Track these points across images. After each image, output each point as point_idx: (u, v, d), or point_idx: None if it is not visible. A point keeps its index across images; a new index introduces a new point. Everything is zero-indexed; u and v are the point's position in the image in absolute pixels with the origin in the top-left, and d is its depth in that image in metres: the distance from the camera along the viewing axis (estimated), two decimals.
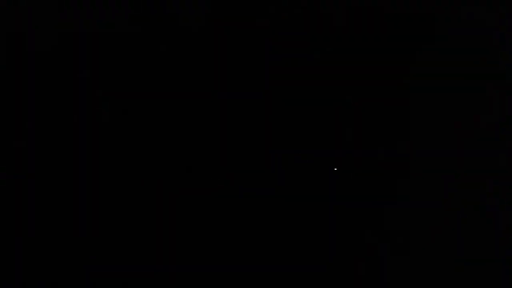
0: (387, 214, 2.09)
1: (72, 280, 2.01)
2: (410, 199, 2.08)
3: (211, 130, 2.25)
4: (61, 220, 2.05)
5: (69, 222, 2.06)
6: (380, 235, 2.09)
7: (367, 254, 2.09)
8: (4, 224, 1.97)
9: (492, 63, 2.04)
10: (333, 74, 2.23)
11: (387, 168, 2.15)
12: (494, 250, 1.95)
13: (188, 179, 2.19)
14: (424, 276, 2.01)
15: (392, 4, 2.18)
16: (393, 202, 2.09)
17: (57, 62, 2.11)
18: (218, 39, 2.28)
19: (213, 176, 2.21)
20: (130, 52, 2.20)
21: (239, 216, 2.17)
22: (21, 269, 1.96)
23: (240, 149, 2.25)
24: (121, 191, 2.13)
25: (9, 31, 2.01)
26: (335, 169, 2.18)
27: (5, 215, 1.98)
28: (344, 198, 2.15)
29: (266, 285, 2.07)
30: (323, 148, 2.24)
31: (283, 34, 2.26)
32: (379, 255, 2.07)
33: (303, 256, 2.10)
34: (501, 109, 2.02)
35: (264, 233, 2.15)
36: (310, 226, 2.14)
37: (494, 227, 1.98)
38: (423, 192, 2.08)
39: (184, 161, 2.21)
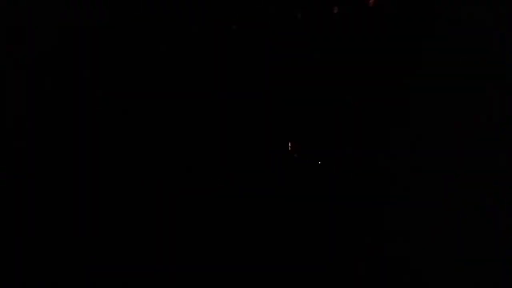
0: (387, 214, 2.09)
1: (72, 280, 2.01)
2: (410, 199, 2.08)
3: (211, 130, 2.25)
4: (61, 220, 2.05)
5: (69, 222, 2.05)
6: (380, 235, 2.09)
7: (367, 254, 2.09)
8: (4, 224, 1.97)
9: (492, 63, 2.04)
10: (333, 74, 2.23)
11: (387, 168, 2.15)
12: (494, 250, 1.95)
13: (188, 179, 2.19)
14: (424, 276, 2.01)
15: (392, 4, 2.18)
16: (393, 202, 2.09)
17: (57, 62, 2.11)
18: (218, 39, 2.28)
19: (213, 176, 2.21)
20: (130, 52, 2.20)
21: (239, 216, 2.17)
22: (21, 269, 1.96)
23: (240, 149, 2.25)
24: (121, 190, 2.13)
25: (9, 30, 2.01)
26: (319, 162, 2.18)
27: (5, 215, 1.98)
28: (344, 198, 2.15)
29: (266, 285, 2.07)
30: (323, 148, 2.24)
31: (283, 34, 2.26)
32: (379, 255, 2.07)
33: (303, 256, 2.10)
34: (501, 109, 2.02)
35: (264, 233, 2.15)
36: (310, 226, 2.14)
37: (494, 227, 1.98)
38: (423, 192, 2.08)
39: (184, 161, 2.21)
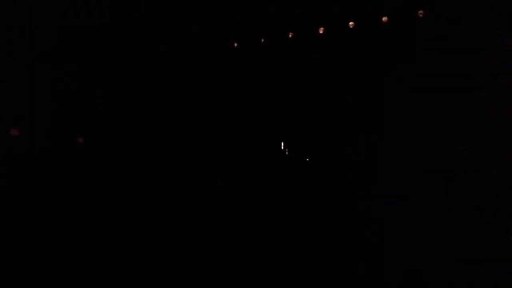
0: (387, 213, 2.09)
1: (72, 280, 2.01)
2: (410, 199, 2.08)
3: (211, 130, 2.25)
4: (61, 220, 2.05)
5: (69, 222, 2.05)
6: (380, 235, 2.09)
7: (367, 254, 2.09)
8: (4, 224, 1.97)
9: (492, 63, 2.03)
10: (333, 74, 2.23)
11: (387, 168, 2.15)
12: (494, 250, 1.95)
13: (188, 179, 2.19)
14: (424, 276, 2.01)
15: (392, 4, 2.18)
16: (392, 202, 2.09)
17: (56, 62, 2.10)
18: (218, 39, 2.28)
19: (213, 176, 2.21)
20: (130, 52, 2.20)
21: (239, 216, 2.17)
22: (21, 269, 1.96)
23: (240, 149, 2.25)
24: (121, 190, 2.13)
25: (9, 30, 2.01)
26: (307, 159, 2.18)
27: (5, 215, 1.98)
28: (344, 198, 2.15)
29: (266, 285, 2.07)
30: (323, 148, 2.24)
31: (283, 34, 2.26)
32: (379, 255, 2.07)
33: (303, 256, 2.10)
34: (501, 109, 2.02)
35: (263, 233, 2.15)
36: (310, 226, 2.14)
37: (494, 227, 1.98)
38: (423, 192, 2.08)
39: (184, 161, 2.21)
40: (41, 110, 2.04)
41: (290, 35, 2.26)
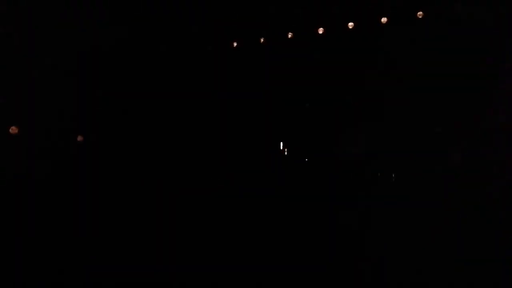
0: (386, 213, 2.09)
1: (72, 280, 2.00)
2: (410, 199, 2.08)
3: (210, 130, 2.25)
4: (61, 219, 2.04)
5: (69, 221, 2.05)
6: (380, 235, 2.09)
7: (367, 254, 2.09)
8: (4, 224, 1.97)
9: (492, 63, 2.04)
10: (332, 74, 2.23)
11: (387, 168, 2.15)
12: (494, 250, 1.95)
13: (188, 179, 2.19)
14: (424, 276, 2.01)
15: (391, 4, 2.18)
16: (392, 202, 2.09)
17: (56, 61, 2.10)
18: (217, 39, 2.28)
19: (213, 176, 2.21)
20: (130, 51, 2.20)
21: (239, 216, 2.17)
22: (21, 269, 1.96)
23: (239, 149, 2.25)
24: (121, 189, 2.13)
25: (9, 29, 2.01)
26: (306, 159, 2.19)
27: (5, 215, 1.97)
28: (344, 198, 2.15)
29: (266, 285, 2.06)
30: (322, 148, 2.24)
31: (283, 34, 2.26)
32: (379, 255, 2.07)
33: (303, 256, 2.10)
34: (501, 109, 2.03)
35: (264, 233, 2.15)
36: (310, 226, 2.14)
37: (494, 227, 1.98)
38: (423, 192, 2.08)
39: (184, 160, 2.21)
40: (41, 108, 2.04)
41: (289, 35, 2.26)
